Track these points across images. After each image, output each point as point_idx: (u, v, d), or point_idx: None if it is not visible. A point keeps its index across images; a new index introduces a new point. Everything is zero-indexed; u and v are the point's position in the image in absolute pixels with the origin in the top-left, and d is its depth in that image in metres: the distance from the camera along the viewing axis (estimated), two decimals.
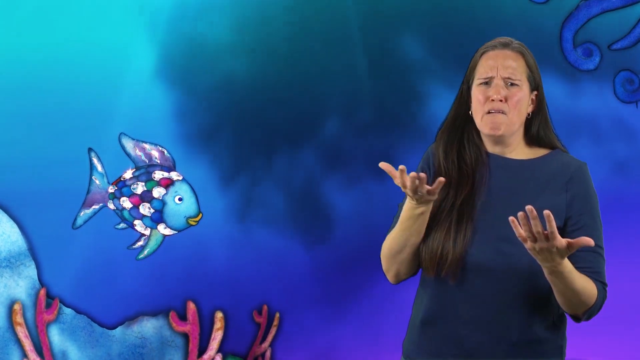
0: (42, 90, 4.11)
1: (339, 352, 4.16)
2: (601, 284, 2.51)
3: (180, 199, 4.09)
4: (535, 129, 2.60)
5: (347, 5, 4.14)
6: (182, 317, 4.16)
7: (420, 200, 2.44)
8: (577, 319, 2.54)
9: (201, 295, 4.18)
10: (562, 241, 2.28)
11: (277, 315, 4.17)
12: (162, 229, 4.11)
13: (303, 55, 4.14)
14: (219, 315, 4.16)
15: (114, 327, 4.18)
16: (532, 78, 2.56)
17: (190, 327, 4.13)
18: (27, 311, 4.12)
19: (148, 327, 4.18)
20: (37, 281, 4.14)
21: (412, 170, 2.48)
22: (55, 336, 4.16)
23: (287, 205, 4.17)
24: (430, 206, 2.50)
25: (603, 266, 2.53)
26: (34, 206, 4.13)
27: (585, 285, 2.45)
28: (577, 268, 2.45)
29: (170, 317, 4.14)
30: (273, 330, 4.17)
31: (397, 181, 2.42)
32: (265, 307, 4.15)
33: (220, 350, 4.14)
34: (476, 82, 2.55)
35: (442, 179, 2.42)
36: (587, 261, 2.49)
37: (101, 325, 4.17)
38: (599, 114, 4.02)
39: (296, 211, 4.17)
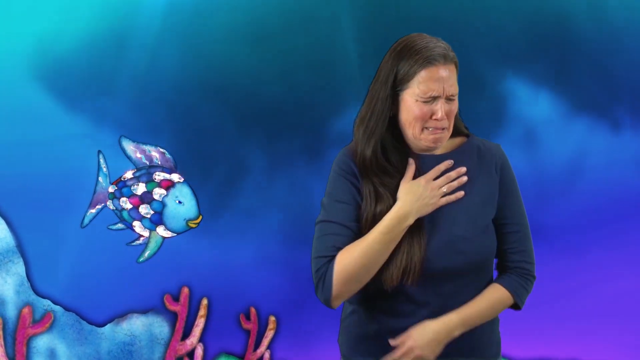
0: (36, 89, 4.07)
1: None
2: (518, 277, 2.58)
3: (180, 201, 4.06)
4: (455, 120, 2.61)
5: (342, 6, 4.17)
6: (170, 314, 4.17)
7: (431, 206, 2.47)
8: (516, 308, 2.63)
9: (191, 296, 4.18)
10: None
11: (273, 318, 4.19)
12: (161, 230, 4.09)
13: (297, 53, 4.16)
14: (204, 302, 4.16)
15: (103, 325, 4.15)
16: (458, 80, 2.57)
17: (181, 308, 4.13)
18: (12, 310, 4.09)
19: (137, 324, 4.17)
20: (25, 278, 4.09)
21: (321, 180, 2.50)
22: (44, 333, 4.11)
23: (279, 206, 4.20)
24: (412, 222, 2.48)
25: (528, 242, 2.61)
26: (22, 203, 4.07)
27: (493, 303, 2.55)
28: (505, 249, 2.58)
29: (165, 300, 4.14)
30: (269, 335, 4.19)
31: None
32: (253, 310, 4.17)
33: (201, 340, 4.16)
34: (414, 96, 2.48)
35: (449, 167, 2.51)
36: (512, 241, 2.59)
37: (90, 322, 4.14)
38: None
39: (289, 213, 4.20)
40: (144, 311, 4.16)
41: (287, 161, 4.18)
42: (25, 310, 4.07)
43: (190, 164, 4.11)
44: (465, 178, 2.50)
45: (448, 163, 2.51)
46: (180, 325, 4.11)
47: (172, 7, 4.13)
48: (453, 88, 2.49)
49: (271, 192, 4.20)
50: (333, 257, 2.48)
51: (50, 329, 4.10)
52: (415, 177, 2.51)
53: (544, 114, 4.17)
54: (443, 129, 2.52)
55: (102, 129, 4.11)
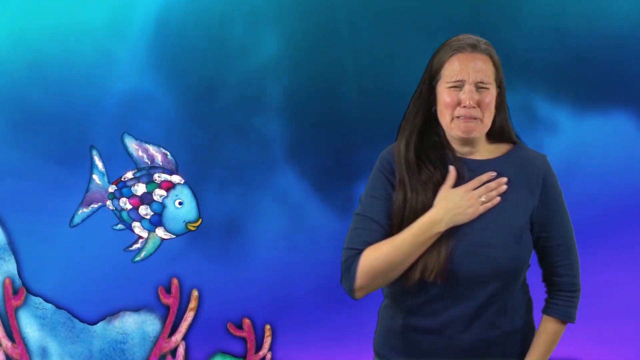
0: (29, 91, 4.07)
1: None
2: (563, 291, 2.59)
3: (180, 203, 4.04)
4: (498, 124, 2.60)
5: (337, 6, 4.15)
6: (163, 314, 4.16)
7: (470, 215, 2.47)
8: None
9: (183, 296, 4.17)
10: None
11: (268, 327, 4.18)
12: (160, 232, 4.07)
13: (294, 55, 4.15)
14: (194, 293, 4.14)
15: (94, 323, 4.15)
16: (498, 77, 2.56)
17: (173, 300, 4.12)
18: None
19: (130, 322, 4.15)
20: (17, 276, 4.09)
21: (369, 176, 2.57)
22: (35, 332, 4.11)
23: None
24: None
25: (573, 254, 2.60)
26: (14, 201, 4.08)
27: (554, 338, 2.61)
28: (550, 263, 2.57)
29: (159, 292, 4.13)
30: (268, 340, 4.17)
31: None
32: (247, 321, 4.16)
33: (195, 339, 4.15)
34: (444, 84, 2.52)
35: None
36: (557, 255, 2.57)
37: (82, 320, 4.14)
38: None
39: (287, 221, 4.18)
40: (136, 309, 4.15)
41: (279, 167, 4.18)
42: (7, 281, 4.09)
43: (189, 164, 4.10)
44: (504, 187, 2.49)
45: (490, 174, 2.50)
46: (170, 320, 4.10)
47: (166, 6, 4.12)
48: (481, 75, 2.50)
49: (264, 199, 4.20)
50: (361, 251, 2.52)
51: (29, 321, 4.10)
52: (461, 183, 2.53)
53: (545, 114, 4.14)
54: (475, 118, 2.51)
55: (95, 126, 4.09)
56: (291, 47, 4.13)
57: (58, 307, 4.13)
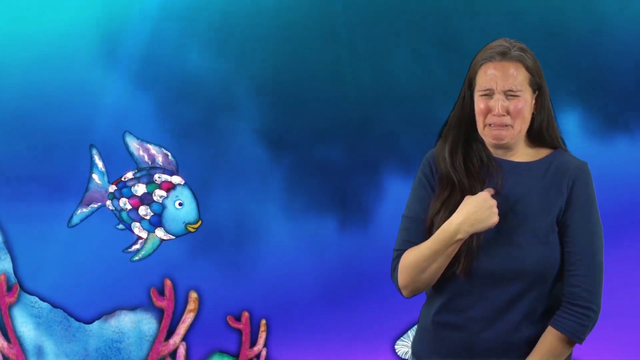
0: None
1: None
2: (575, 310, 2.54)
3: (180, 204, 4.02)
4: (537, 128, 2.62)
5: (336, 11, 4.14)
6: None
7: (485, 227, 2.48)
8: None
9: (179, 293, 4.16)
10: None
11: (263, 322, 4.17)
12: (160, 233, 4.05)
13: (291, 58, 4.14)
14: (193, 295, 4.13)
15: (90, 322, 4.14)
16: (534, 81, 2.58)
17: (167, 302, 4.11)
18: None
19: (126, 321, 4.14)
20: (13, 274, 4.08)
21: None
22: (31, 331, 4.10)
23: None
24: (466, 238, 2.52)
25: (593, 268, 2.55)
26: (10, 200, 4.07)
27: (555, 351, 2.54)
28: (566, 270, 2.53)
29: (152, 293, 4.12)
30: (263, 335, 4.16)
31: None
32: (245, 314, 4.15)
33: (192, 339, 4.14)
34: (477, 92, 2.57)
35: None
36: (572, 263, 2.54)
37: (78, 319, 4.13)
38: None
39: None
40: (132, 308, 4.14)
41: (277, 163, 4.17)
42: (2, 277, 4.06)
43: (184, 166, 4.10)
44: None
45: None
46: (166, 322, 4.09)
47: (164, 8, 4.11)
48: (510, 83, 2.53)
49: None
50: (404, 251, 2.59)
51: (24, 320, 4.09)
52: (497, 183, 2.56)
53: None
54: (506, 125, 2.54)
55: (94, 125, 4.08)
56: (288, 53, 4.13)
57: (54, 306, 4.12)
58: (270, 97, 4.13)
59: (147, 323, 4.15)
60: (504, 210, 2.54)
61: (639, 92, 4.12)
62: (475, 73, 2.58)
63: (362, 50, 4.13)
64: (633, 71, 4.11)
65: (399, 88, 4.12)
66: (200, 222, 4.03)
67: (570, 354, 2.63)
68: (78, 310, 4.13)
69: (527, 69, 2.56)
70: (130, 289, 4.14)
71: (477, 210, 2.49)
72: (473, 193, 2.54)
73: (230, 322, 4.12)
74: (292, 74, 4.13)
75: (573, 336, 2.53)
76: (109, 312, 4.14)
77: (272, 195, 4.16)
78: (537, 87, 2.59)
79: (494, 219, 2.48)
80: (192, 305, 4.12)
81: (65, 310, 4.12)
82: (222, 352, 4.15)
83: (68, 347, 4.12)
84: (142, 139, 4.02)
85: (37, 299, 4.11)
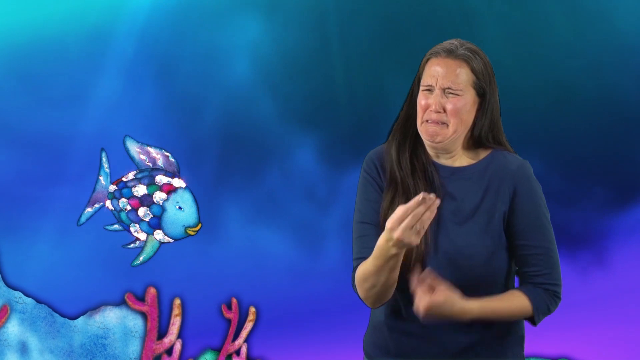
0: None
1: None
2: (543, 291, 2.53)
3: (180, 207, 3.99)
4: (478, 133, 2.57)
5: (327, 9, 4.15)
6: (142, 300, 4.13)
7: (405, 243, 2.35)
8: (532, 323, 2.58)
9: (166, 287, 4.14)
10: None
11: (253, 309, 4.16)
12: (159, 235, 4.02)
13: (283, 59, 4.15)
14: (177, 302, 4.12)
15: (75, 318, 4.11)
16: (479, 85, 2.52)
17: (149, 308, 4.09)
18: None
19: (111, 317, 4.12)
20: None
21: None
22: (15, 326, 4.06)
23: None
24: (404, 251, 2.41)
25: (553, 266, 2.54)
26: None
27: (512, 306, 2.50)
28: (525, 272, 2.52)
29: (127, 298, 4.09)
30: (248, 326, 4.15)
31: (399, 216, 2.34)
32: (234, 301, 4.13)
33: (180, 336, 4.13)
34: (420, 87, 2.53)
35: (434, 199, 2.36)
36: (534, 264, 2.52)
37: (62, 315, 4.10)
38: None
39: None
40: (117, 303, 4.12)
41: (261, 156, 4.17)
42: None
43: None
44: (436, 204, 2.34)
45: (416, 200, 2.34)
46: (152, 325, 4.07)
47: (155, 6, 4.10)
48: (450, 80, 2.48)
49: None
50: (363, 259, 2.50)
51: (9, 319, 4.06)
52: (437, 188, 2.51)
53: None
54: (442, 123, 2.49)
55: (81, 129, 4.08)
56: (281, 52, 4.13)
57: (38, 301, 4.09)
58: (262, 95, 4.13)
59: (132, 319, 4.12)
60: (444, 217, 2.51)
61: None
62: (422, 69, 2.55)
63: (355, 54, 4.15)
64: None
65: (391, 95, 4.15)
66: (200, 226, 3.99)
67: (522, 346, 2.63)
68: (63, 306, 4.10)
69: (473, 70, 2.51)
70: (115, 285, 4.11)
71: (390, 235, 2.35)
72: (416, 193, 2.44)
73: (224, 312, 4.11)
74: (285, 73, 4.13)
75: (535, 308, 2.50)
76: (94, 308, 4.11)
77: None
78: (481, 91, 2.53)
79: (411, 240, 2.33)
80: (176, 311, 4.11)
81: (49, 306, 4.09)
82: (214, 349, 4.14)
83: (52, 343, 4.08)
84: (142, 142, 4.00)
85: (21, 294, 4.08)
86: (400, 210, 2.33)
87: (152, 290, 4.10)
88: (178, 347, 4.11)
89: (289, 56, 4.14)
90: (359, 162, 4.10)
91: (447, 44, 2.53)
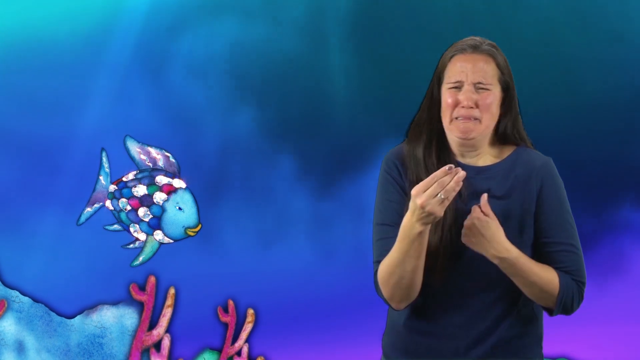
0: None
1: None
2: (572, 281, 2.52)
3: (180, 208, 3.98)
4: (503, 129, 2.58)
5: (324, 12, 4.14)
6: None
7: (432, 217, 2.36)
8: (550, 311, 2.58)
9: (164, 286, 4.14)
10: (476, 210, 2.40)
11: (251, 311, 4.16)
12: (158, 236, 4.00)
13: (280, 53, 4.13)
14: (171, 291, 4.11)
15: (72, 316, 4.09)
16: (503, 79, 2.53)
17: (147, 297, 4.09)
18: None
19: (108, 316, 4.11)
20: None
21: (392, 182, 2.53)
22: (12, 326, 4.05)
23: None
24: (429, 226, 2.41)
25: (579, 263, 2.53)
26: None
27: (543, 275, 2.47)
28: (554, 269, 2.50)
29: (131, 289, 4.10)
30: (247, 328, 4.15)
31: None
32: (231, 303, 4.13)
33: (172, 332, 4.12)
34: (446, 85, 2.51)
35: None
36: (561, 261, 2.52)
37: (59, 314, 4.08)
38: None
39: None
40: (114, 302, 4.11)
41: (265, 159, 4.17)
42: None
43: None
44: (462, 176, 2.36)
45: (444, 169, 2.37)
46: (146, 315, 4.07)
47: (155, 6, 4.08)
48: (480, 75, 2.48)
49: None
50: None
51: (6, 318, 4.04)
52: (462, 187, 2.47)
53: None
54: (474, 119, 2.49)
55: (77, 129, 4.07)
56: (280, 52, 4.12)
57: (35, 300, 4.07)
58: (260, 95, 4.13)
59: (129, 318, 4.12)
60: (462, 210, 2.49)
61: None
62: (445, 67, 2.52)
63: (353, 56, 4.15)
64: None
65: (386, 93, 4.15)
66: (200, 227, 3.98)
67: (540, 345, 2.63)
68: (60, 305, 4.09)
69: (498, 65, 2.52)
70: (112, 284, 4.10)
71: (415, 206, 2.37)
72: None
73: (220, 315, 4.11)
74: (280, 74, 4.13)
75: (562, 291, 2.48)
76: (91, 307, 4.10)
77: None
78: (505, 86, 2.54)
79: (434, 209, 2.34)
80: (169, 301, 4.10)
81: (46, 305, 4.08)
82: (212, 349, 4.14)
83: (49, 342, 4.07)
84: (143, 142, 3.98)
85: (18, 293, 4.06)
86: (426, 179, 2.36)
87: (152, 279, 4.09)
88: (167, 343, 4.10)
89: (284, 59, 4.13)
90: (355, 165, 4.15)
91: (469, 40, 2.53)
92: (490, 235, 2.42)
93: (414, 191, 2.35)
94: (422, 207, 2.33)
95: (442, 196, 2.34)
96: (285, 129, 4.15)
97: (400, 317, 2.60)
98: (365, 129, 4.16)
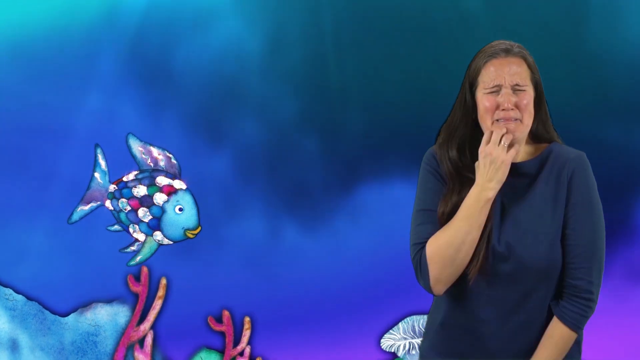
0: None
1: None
2: (574, 303, 2.58)
3: (180, 209, 3.97)
4: (535, 127, 2.66)
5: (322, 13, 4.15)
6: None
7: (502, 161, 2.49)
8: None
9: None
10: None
11: (247, 319, 4.15)
12: (158, 237, 3.99)
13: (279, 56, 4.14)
14: (162, 282, 4.10)
15: (66, 315, 4.08)
16: (534, 79, 2.63)
17: (142, 288, 4.07)
18: None
19: (102, 314, 4.09)
20: None
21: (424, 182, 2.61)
22: (5, 324, 4.03)
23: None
24: (496, 193, 2.52)
25: (595, 262, 2.59)
26: None
27: (561, 345, 2.57)
28: (567, 263, 2.56)
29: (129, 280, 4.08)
30: (247, 333, 4.14)
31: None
32: (226, 313, 4.12)
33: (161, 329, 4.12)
34: (482, 90, 2.59)
35: None
36: (576, 256, 2.57)
37: (53, 312, 4.07)
38: None
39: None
40: (108, 300, 4.09)
41: (256, 162, 4.17)
42: None
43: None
44: (513, 117, 2.53)
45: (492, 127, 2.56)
46: (139, 307, 4.05)
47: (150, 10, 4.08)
48: (517, 77, 2.57)
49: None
50: (424, 244, 2.57)
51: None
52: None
53: None
54: (515, 120, 2.56)
55: (71, 127, 4.06)
56: (276, 53, 4.13)
57: (29, 298, 4.05)
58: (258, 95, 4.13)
59: (123, 316, 4.10)
60: (503, 207, 2.58)
61: None
62: (478, 73, 2.61)
63: (349, 58, 4.16)
64: None
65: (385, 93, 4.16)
66: (199, 229, 3.98)
67: (579, 351, 2.67)
68: (53, 303, 4.07)
69: (529, 66, 2.62)
70: (106, 282, 4.09)
71: (485, 161, 2.53)
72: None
73: (211, 324, 4.10)
74: (279, 74, 4.14)
75: (573, 326, 2.56)
76: (85, 305, 4.09)
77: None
78: (536, 85, 2.63)
79: (502, 156, 2.51)
80: (160, 292, 4.08)
81: (40, 303, 4.06)
82: (209, 348, 4.13)
83: (43, 341, 4.05)
84: (146, 141, 3.97)
85: (11, 291, 4.04)
86: (485, 137, 2.54)
87: (144, 270, 4.07)
88: (149, 340, 4.08)
89: (282, 58, 4.14)
90: (357, 162, 4.15)
91: (499, 44, 2.63)
92: None
93: (480, 150, 2.53)
94: (490, 155, 2.51)
95: (505, 141, 2.52)
96: (284, 128, 4.16)
97: (437, 317, 2.65)
98: (366, 129, 4.18)
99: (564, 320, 2.57)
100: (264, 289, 4.15)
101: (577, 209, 2.58)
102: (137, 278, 4.09)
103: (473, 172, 2.59)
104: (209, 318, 4.10)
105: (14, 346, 4.04)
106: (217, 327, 4.11)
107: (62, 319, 4.07)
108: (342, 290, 4.17)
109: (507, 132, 2.53)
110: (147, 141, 3.99)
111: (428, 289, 2.58)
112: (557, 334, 2.58)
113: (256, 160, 4.16)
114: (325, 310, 4.16)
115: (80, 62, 4.04)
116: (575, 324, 2.57)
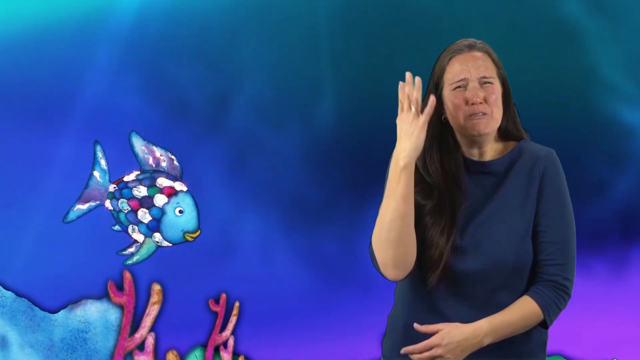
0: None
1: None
2: (550, 290, 2.57)
3: (180, 211, 3.94)
4: (504, 124, 2.63)
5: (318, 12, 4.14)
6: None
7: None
8: (545, 327, 2.60)
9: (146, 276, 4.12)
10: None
11: (237, 304, 4.14)
12: (157, 238, 3.97)
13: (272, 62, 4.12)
14: (156, 287, 4.09)
15: (56, 311, 4.05)
16: (500, 74, 2.60)
17: (126, 298, 4.06)
18: None
19: (92, 310, 4.08)
20: None
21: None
22: None
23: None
24: (414, 163, 2.46)
25: (566, 257, 2.57)
26: None
27: (523, 314, 2.53)
28: (541, 260, 2.54)
29: (108, 287, 4.06)
30: (233, 320, 4.14)
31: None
32: (223, 296, 4.12)
33: (152, 329, 4.10)
34: (448, 87, 2.56)
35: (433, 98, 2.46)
36: (551, 253, 2.56)
37: (42, 309, 4.04)
38: None
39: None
40: (98, 297, 4.08)
41: (254, 151, 4.16)
42: None
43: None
44: (418, 79, 2.46)
45: (402, 83, 2.47)
46: (127, 319, 4.04)
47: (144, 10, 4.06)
48: (482, 70, 2.54)
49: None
50: None
51: None
52: (468, 184, 2.56)
53: None
54: (484, 114, 2.53)
55: (67, 124, 4.04)
56: (270, 57, 4.11)
57: (18, 294, 4.02)
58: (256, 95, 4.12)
59: (113, 312, 4.09)
60: (470, 207, 2.55)
61: None
62: (443, 71, 2.57)
63: (344, 61, 4.15)
64: None
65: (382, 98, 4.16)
66: (199, 232, 3.96)
67: (544, 351, 2.66)
68: (43, 299, 4.05)
69: (493, 61, 2.59)
70: (96, 278, 4.07)
71: (399, 130, 2.48)
72: (451, 196, 2.54)
73: (211, 306, 4.09)
74: (276, 75, 4.13)
75: (545, 312, 2.53)
76: (75, 301, 4.07)
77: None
78: (502, 80, 2.60)
79: (410, 119, 2.45)
80: (155, 298, 4.07)
81: (29, 299, 4.03)
82: (204, 346, 4.12)
83: (33, 337, 4.03)
84: (149, 141, 3.94)
85: (0, 287, 4.01)
86: (400, 105, 2.46)
87: (127, 276, 4.06)
88: (151, 341, 4.08)
89: (277, 60, 4.13)
90: (345, 161, 4.15)
91: (462, 41, 2.59)
92: (457, 341, 2.47)
93: (396, 121, 2.45)
94: (403, 122, 2.45)
95: (414, 107, 2.45)
96: (280, 124, 4.15)
97: (400, 315, 2.62)
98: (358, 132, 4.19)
99: (535, 297, 2.53)
100: (259, 283, 4.15)
101: (549, 206, 2.56)
102: (119, 285, 4.07)
103: (440, 179, 2.56)
104: (210, 301, 4.09)
105: (3, 343, 4.02)
106: (214, 308, 4.10)
107: (51, 315, 4.04)
108: (336, 287, 4.18)
109: (413, 99, 2.45)
110: (149, 140, 3.98)
111: (383, 275, 2.54)
112: (525, 306, 2.53)
113: (255, 153, 4.16)
114: (316, 306, 4.17)
115: (78, 53, 4.00)
116: (545, 306, 2.53)
